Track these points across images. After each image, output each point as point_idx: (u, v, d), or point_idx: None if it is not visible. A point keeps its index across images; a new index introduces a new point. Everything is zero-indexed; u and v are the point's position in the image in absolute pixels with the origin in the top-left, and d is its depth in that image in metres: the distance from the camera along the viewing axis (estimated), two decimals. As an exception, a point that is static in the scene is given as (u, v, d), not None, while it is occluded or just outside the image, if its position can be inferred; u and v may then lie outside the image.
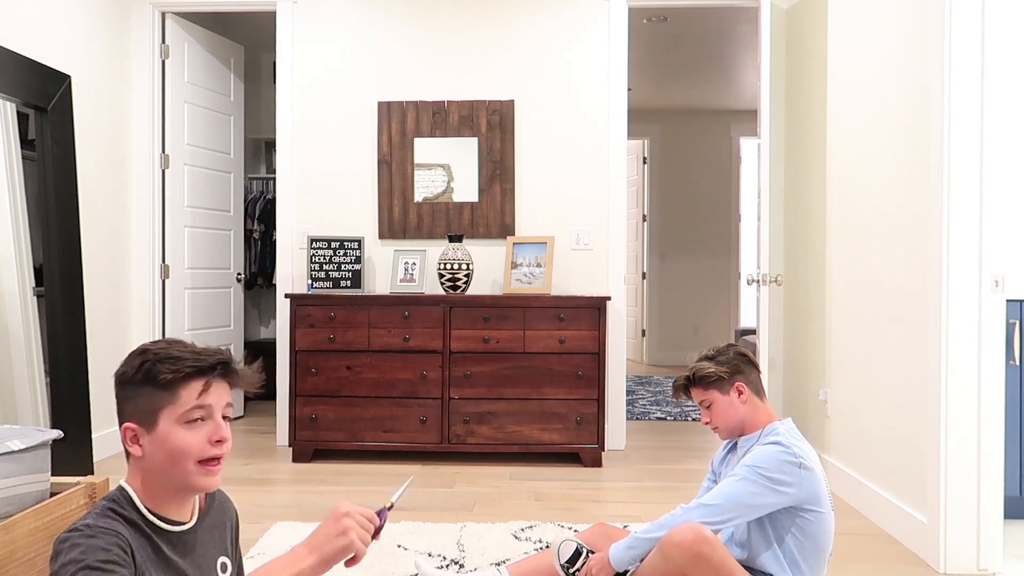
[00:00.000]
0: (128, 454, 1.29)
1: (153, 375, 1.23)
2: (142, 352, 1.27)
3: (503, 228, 4.28)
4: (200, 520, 1.33)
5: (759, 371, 2.04)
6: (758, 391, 1.98)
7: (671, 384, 2.11)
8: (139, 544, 1.21)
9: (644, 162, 8.02)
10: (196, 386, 1.25)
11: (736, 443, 2.03)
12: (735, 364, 1.97)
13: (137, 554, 1.19)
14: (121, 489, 1.26)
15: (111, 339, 4.10)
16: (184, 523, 1.29)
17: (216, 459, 1.26)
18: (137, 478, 1.27)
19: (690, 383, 2.01)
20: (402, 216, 4.31)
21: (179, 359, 1.25)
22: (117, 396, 1.28)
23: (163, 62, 4.40)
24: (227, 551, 1.40)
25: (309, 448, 3.95)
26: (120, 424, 1.27)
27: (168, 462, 1.23)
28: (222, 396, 1.27)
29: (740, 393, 1.95)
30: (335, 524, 1.25)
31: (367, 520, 1.28)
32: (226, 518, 1.43)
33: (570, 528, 2.90)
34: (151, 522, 1.24)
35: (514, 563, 2.15)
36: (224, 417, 1.29)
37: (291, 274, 4.35)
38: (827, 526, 1.87)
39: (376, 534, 1.29)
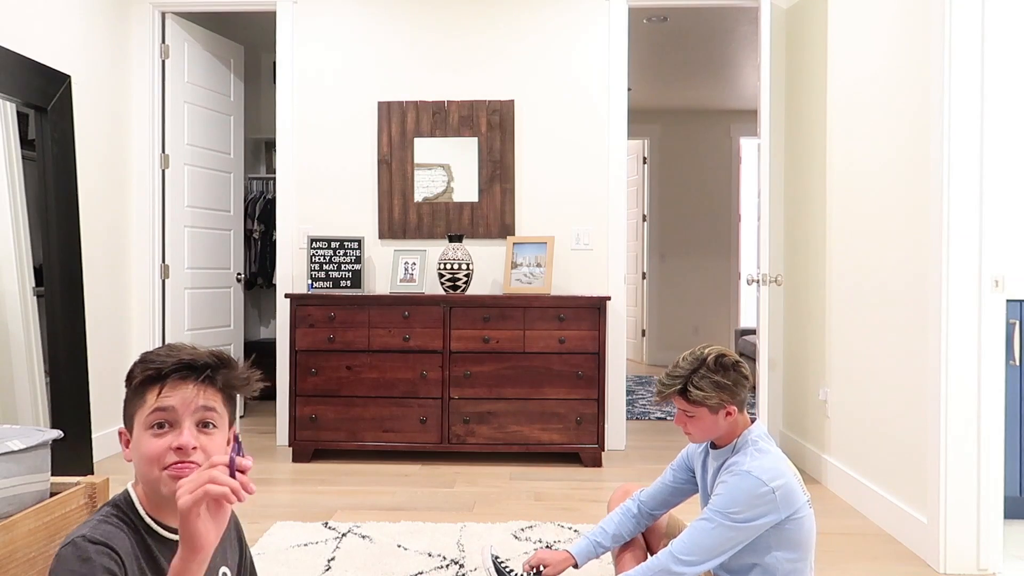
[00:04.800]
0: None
1: (130, 378, 1.22)
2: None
3: (503, 228, 4.28)
4: None
5: (753, 387, 1.97)
6: (742, 408, 1.91)
7: (656, 382, 1.96)
8: (139, 551, 1.19)
9: (644, 162, 8.02)
10: (155, 388, 1.19)
11: (712, 446, 2.00)
12: (733, 390, 1.86)
13: (135, 563, 1.17)
14: (126, 494, 1.25)
15: (111, 339, 4.10)
16: None
17: (185, 465, 1.16)
18: (139, 483, 1.26)
19: (680, 395, 1.89)
20: (402, 216, 4.31)
21: (148, 361, 1.20)
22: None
23: (163, 62, 4.40)
24: (227, 560, 1.36)
25: (309, 448, 3.95)
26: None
27: (143, 468, 1.20)
28: (189, 400, 1.18)
29: (728, 415, 1.88)
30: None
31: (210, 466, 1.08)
32: (228, 526, 1.39)
33: (570, 528, 2.90)
34: (152, 529, 1.23)
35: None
36: (206, 423, 1.20)
37: (291, 274, 4.35)
38: (808, 525, 1.83)
39: (234, 470, 1.08)
